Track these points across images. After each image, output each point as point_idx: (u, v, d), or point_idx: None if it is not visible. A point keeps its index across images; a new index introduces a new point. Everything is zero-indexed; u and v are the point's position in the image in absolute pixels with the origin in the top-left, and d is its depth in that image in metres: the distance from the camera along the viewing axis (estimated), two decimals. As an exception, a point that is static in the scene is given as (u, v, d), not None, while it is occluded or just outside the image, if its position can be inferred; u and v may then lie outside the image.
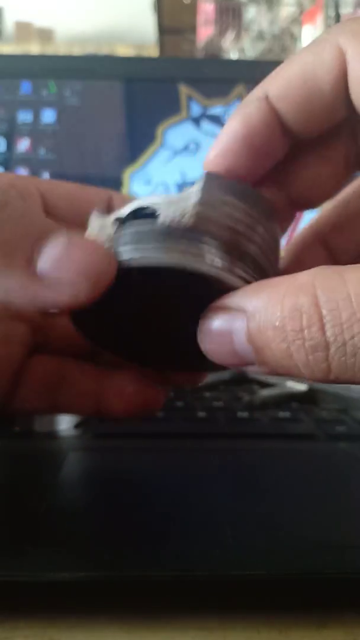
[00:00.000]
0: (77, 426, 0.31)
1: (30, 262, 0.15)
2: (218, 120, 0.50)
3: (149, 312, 0.19)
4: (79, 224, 0.19)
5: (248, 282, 0.16)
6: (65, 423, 0.31)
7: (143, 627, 0.19)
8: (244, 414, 0.33)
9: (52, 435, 0.30)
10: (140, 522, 0.21)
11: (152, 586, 0.20)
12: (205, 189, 0.16)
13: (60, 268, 0.15)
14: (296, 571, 0.19)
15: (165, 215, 0.16)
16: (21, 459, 0.28)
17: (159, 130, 0.50)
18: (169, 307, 0.18)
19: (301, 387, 0.36)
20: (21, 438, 0.29)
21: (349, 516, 0.22)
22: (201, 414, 0.33)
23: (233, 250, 0.16)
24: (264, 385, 0.37)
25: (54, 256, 0.15)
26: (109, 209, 0.21)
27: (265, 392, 0.35)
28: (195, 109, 0.50)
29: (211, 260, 0.16)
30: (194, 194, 0.16)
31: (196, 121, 0.50)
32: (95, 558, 0.19)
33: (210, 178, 0.17)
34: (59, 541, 0.20)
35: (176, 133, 0.50)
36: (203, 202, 0.16)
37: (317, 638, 0.19)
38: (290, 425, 0.32)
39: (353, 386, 0.35)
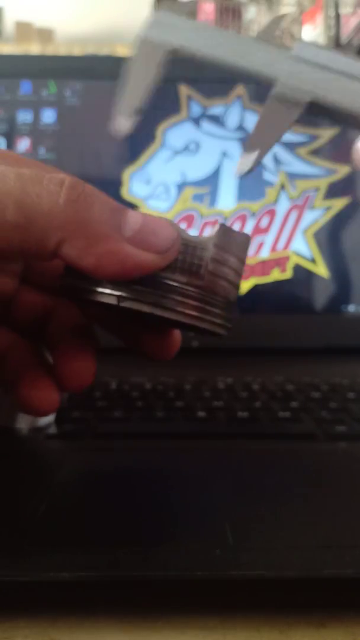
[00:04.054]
0: (56, 421, 0.31)
1: (120, 231, 0.18)
2: (218, 120, 0.50)
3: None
4: None
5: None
6: (44, 420, 0.31)
7: (143, 627, 0.19)
8: (244, 414, 0.33)
9: (51, 435, 0.30)
10: (140, 522, 0.21)
11: (152, 586, 0.20)
12: (218, 244, 0.19)
13: (145, 236, 0.18)
14: (296, 571, 0.19)
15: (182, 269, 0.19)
16: (21, 459, 0.28)
17: (159, 130, 0.50)
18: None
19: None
20: (21, 438, 0.29)
21: (349, 516, 0.22)
22: (201, 414, 0.33)
23: (226, 303, 0.20)
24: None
25: (137, 227, 0.18)
26: None
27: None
28: (195, 109, 0.50)
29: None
30: (209, 246, 0.19)
31: (196, 121, 0.50)
32: (95, 558, 0.19)
33: (224, 231, 0.19)
34: (59, 541, 0.20)
35: (176, 133, 0.50)
36: (214, 258, 0.19)
37: (317, 638, 0.19)
38: (290, 425, 0.32)
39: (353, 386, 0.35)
